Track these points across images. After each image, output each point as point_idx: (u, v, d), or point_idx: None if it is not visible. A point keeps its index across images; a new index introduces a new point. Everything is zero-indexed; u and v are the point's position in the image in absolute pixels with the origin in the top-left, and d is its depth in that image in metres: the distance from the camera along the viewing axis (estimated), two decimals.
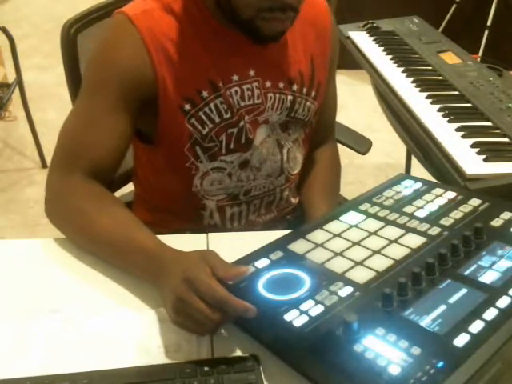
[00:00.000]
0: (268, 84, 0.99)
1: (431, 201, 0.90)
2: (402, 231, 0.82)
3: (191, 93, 0.93)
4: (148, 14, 0.90)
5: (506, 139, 1.23)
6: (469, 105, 1.38)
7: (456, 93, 1.44)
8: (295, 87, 1.02)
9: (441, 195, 0.91)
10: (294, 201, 1.16)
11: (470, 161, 1.14)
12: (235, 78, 0.95)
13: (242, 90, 0.96)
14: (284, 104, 1.01)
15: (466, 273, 0.71)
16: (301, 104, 1.04)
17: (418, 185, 0.96)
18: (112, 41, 0.92)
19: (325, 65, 1.08)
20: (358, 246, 0.80)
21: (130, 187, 1.26)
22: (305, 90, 1.04)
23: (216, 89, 0.94)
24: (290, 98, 1.02)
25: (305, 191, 1.14)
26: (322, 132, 1.17)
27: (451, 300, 0.66)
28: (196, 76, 0.93)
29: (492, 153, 1.16)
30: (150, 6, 0.91)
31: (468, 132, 1.25)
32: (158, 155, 1.01)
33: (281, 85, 1.00)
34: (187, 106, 0.93)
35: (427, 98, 1.42)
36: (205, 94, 0.94)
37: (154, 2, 0.92)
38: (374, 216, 0.87)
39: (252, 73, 0.97)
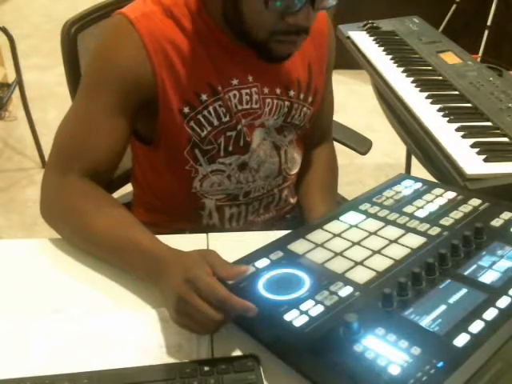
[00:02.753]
0: (266, 90, 0.99)
1: (431, 201, 0.90)
2: (401, 231, 0.82)
3: (190, 96, 0.93)
4: (148, 17, 0.90)
5: (506, 139, 1.23)
6: (469, 105, 1.38)
7: (456, 93, 1.44)
8: (292, 93, 1.02)
9: (441, 195, 0.91)
10: (292, 200, 1.16)
11: (469, 161, 1.14)
12: (235, 82, 0.96)
13: (241, 94, 0.96)
14: (281, 110, 1.02)
15: (466, 273, 0.71)
16: (297, 110, 1.04)
17: (418, 185, 0.96)
18: (112, 42, 0.91)
19: (322, 70, 1.08)
20: (357, 245, 0.80)
21: (128, 188, 1.26)
22: (302, 96, 1.04)
23: (215, 92, 0.94)
24: (287, 103, 1.02)
25: (303, 192, 1.14)
26: (319, 133, 1.18)
27: (451, 300, 0.66)
28: (195, 79, 0.93)
29: (492, 153, 1.16)
30: (150, 9, 0.91)
31: (468, 132, 1.25)
32: (157, 157, 1.01)
33: (278, 91, 1.00)
34: (186, 109, 0.93)
35: (427, 97, 1.42)
36: (204, 97, 0.94)
37: (154, 5, 0.92)
38: (374, 216, 0.87)
39: (250, 78, 0.97)
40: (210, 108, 0.94)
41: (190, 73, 0.92)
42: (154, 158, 1.02)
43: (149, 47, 0.89)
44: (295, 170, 1.12)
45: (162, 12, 0.91)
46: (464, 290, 0.67)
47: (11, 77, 2.62)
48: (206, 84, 0.93)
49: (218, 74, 0.94)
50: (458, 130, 1.26)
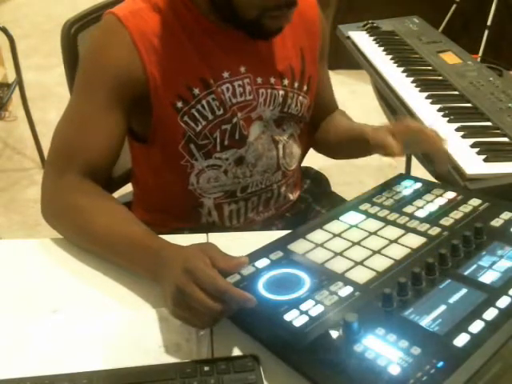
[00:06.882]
0: (259, 80, 0.99)
1: (431, 201, 0.90)
2: (402, 231, 0.82)
3: (182, 90, 0.93)
4: (137, 14, 0.91)
5: (506, 139, 1.23)
6: (469, 105, 1.38)
7: (456, 93, 1.44)
8: (286, 82, 1.02)
9: (441, 195, 0.91)
10: (292, 197, 1.16)
11: (469, 161, 1.14)
12: (226, 74, 0.96)
13: (234, 86, 0.97)
14: (276, 99, 1.02)
15: (466, 273, 0.71)
16: (293, 99, 1.04)
17: (418, 185, 0.96)
18: (102, 42, 0.93)
19: (314, 58, 1.09)
20: (358, 245, 0.80)
21: (128, 188, 1.26)
22: (296, 85, 1.04)
23: (207, 86, 0.95)
24: (281, 92, 1.02)
25: (340, 134, 1.16)
26: (326, 107, 1.20)
27: (451, 300, 0.66)
28: (186, 73, 0.93)
29: (492, 153, 1.16)
30: (138, 6, 0.93)
31: (468, 132, 1.25)
32: (153, 154, 1.01)
33: (272, 80, 1.01)
34: (179, 104, 0.94)
35: (427, 98, 1.42)
36: (196, 91, 0.94)
37: (142, 2, 0.93)
38: (374, 216, 0.87)
39: (243, 69, 0.97)
40: (204, 102, 0.95)
41: (180, 67, 0.93)
42: (151, 155, 1.02)
43: (139, 44, 0.90)
44: (294, 166, 1.12)
45: (151, 8, 0.92)
46: (464, 290, 0.67)
47: (11, 77, 2.62)
48: (198, 78, 0.94)
49: (209, 68, 0.95)
50: (457, 129, 1.26)
